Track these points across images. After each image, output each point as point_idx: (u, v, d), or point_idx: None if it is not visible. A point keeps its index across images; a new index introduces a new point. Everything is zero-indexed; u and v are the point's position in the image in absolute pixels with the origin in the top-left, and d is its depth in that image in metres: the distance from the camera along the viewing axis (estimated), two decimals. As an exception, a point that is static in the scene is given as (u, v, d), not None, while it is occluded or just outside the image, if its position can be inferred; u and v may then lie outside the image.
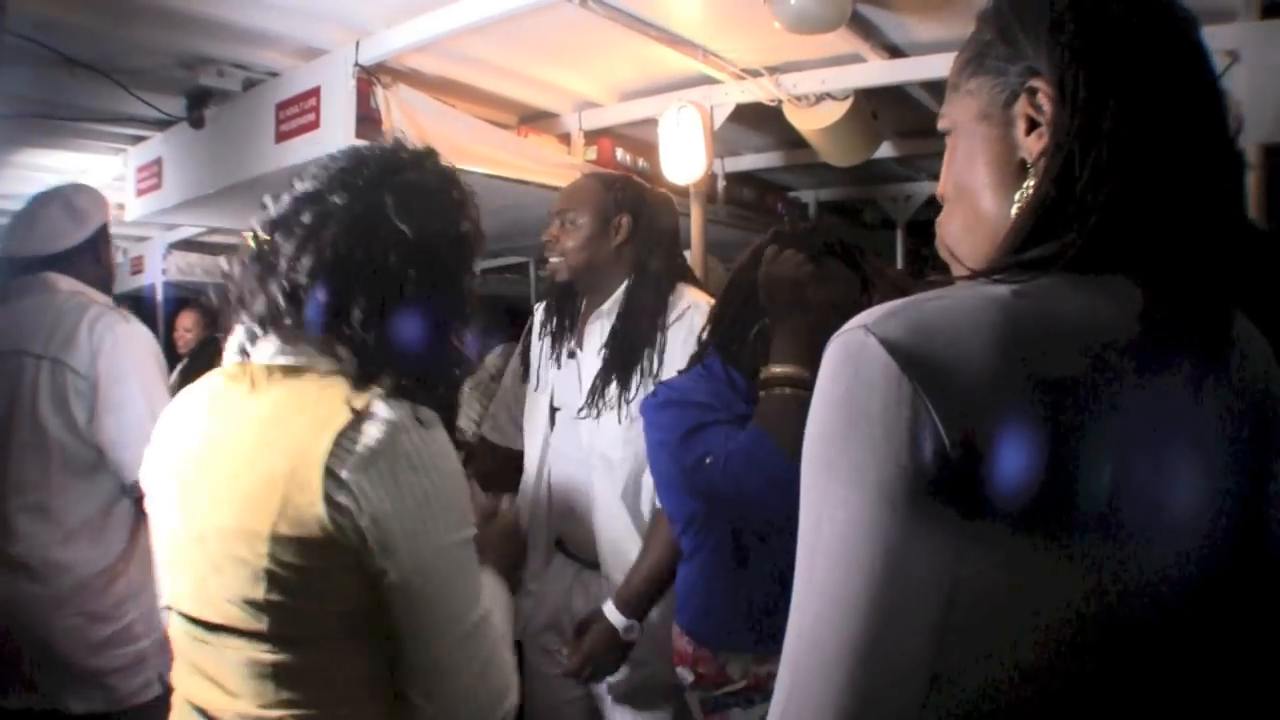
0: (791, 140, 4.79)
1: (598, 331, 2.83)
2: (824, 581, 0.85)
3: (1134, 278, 0.89)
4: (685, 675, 2.33)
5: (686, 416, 2.21)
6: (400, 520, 1.36)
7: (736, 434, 2.09)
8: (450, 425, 1.53)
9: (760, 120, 4.55)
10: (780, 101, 4.13)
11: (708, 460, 2.10)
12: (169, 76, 3.75)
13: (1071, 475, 0.82)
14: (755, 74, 3.97)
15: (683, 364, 2.52)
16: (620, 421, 2.73)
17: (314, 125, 3.58)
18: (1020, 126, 0.98)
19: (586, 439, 2.80)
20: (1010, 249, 0.94)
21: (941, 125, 1.10)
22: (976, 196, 1.03)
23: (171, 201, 4.41)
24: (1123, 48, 0.93)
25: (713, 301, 2.59)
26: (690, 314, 2.75)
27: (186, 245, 6.73)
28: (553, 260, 2.89)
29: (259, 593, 1.37)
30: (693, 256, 4.18)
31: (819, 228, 2.30)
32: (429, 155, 1.66)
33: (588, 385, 2.79)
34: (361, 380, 1.44)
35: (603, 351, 2.78)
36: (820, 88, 4.04)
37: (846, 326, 0.89)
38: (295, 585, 1.37)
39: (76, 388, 2.65)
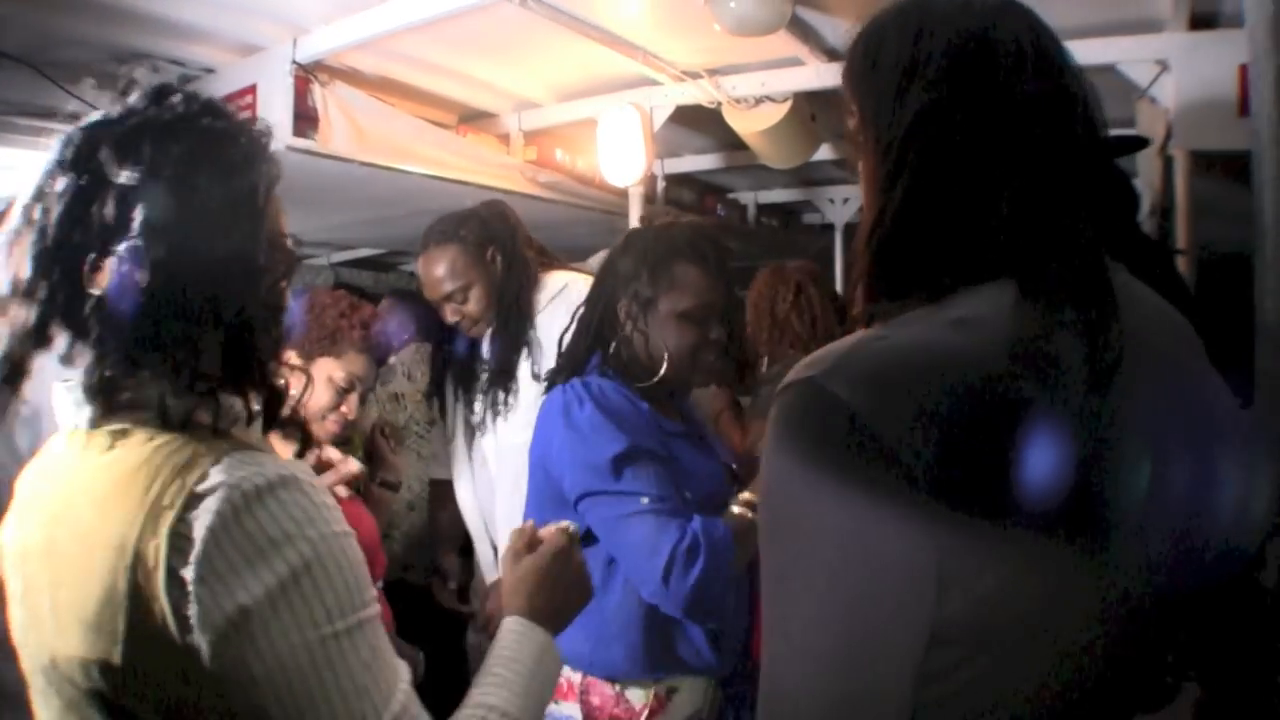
0: (731, 142, 4.80)
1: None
2: (797, 638, 0.84)
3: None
4: (570, 713, 2.09)
5: (617, 436, 1.99)
6: (258, 614, 1.04)
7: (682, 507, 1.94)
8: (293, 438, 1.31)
9: (700, 122, 4.57)
10: (720, 103, 4.14)
11: (644, 500, 1.91)
12: (101, 71, 3.68)
13: (1041, 494, 0.81)
14: (695, 76, 3.98)
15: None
16: (520, 410, 2.88)
17: (250, 123, 3.51)
18: None
19: (497, 439, 2.92)
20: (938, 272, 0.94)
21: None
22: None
23: (104, 200, 4.31)
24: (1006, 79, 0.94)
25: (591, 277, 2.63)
26: (568, 291, 2.89)
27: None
28: (468, 327, 3.01)
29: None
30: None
31: (673, 227, 2.26)
32: (197, 105, 1.23)
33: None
34: (181, 425, 1.12)
35: (490, 366, 2.94)
36: (760, 90, 4.06)
37: (794, 376, 0.87)
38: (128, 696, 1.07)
39: None
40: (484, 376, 2.98)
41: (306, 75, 3.43)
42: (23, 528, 1.21)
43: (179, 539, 1.03)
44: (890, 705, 0.83)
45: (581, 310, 2.30)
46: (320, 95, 3.45)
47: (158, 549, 1.03)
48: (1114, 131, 1.02)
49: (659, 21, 3.52)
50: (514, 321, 2.92)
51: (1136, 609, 0.91)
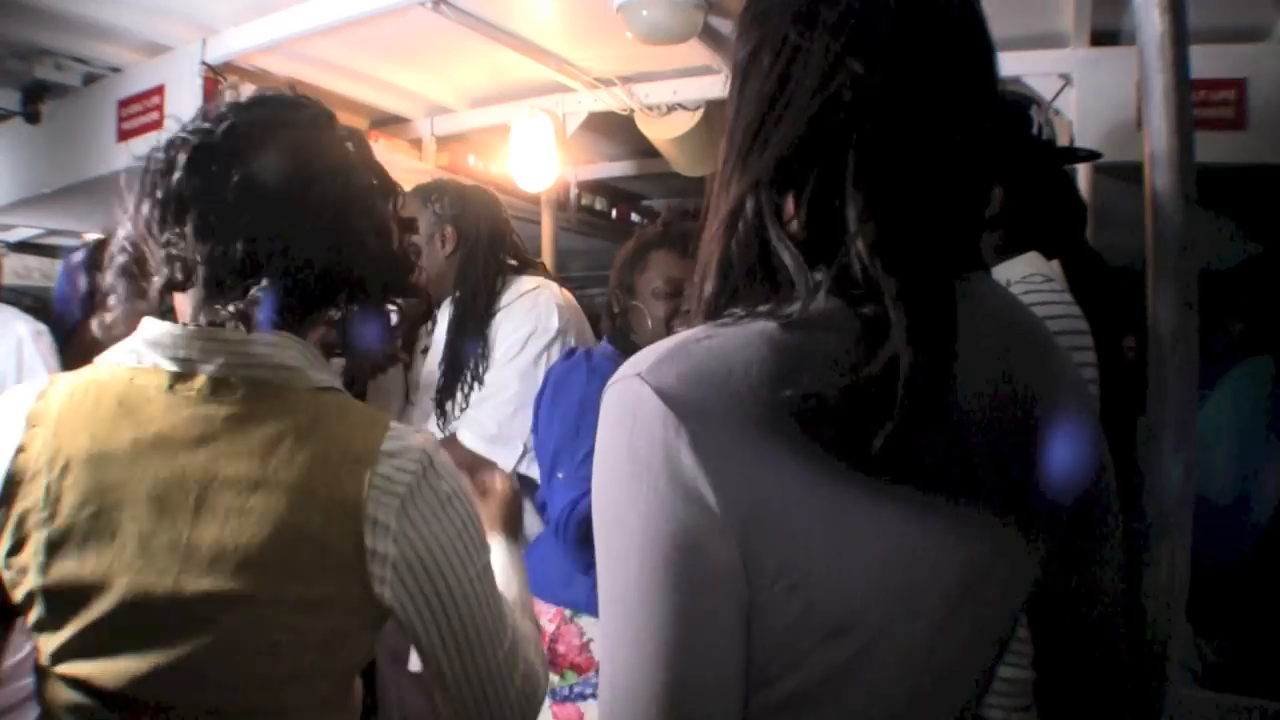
0: (643, 149, 4.83)
1: (443, 319, 2.91)
2: (626, 630, 0.85)
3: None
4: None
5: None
6: (442, 563, 1.22)
7: None
8: None
9: (613, 129, 4.61)
10: (632, 111, 4.17)
11: None
12: (2, 68, 3.62)
13: (842, 504, 0.84)
14: (608, 83, 4.01)
15: (517, 338, 2.68)
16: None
17: (158, 124, 3.44)
18: None
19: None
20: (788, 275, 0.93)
21: None
22: None
23: (5, 201, 4.23)
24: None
25: (565, 292, 2.78)
26: (535, 295, 2.81)
27: (23, 248, 6.44)
28: None
29: (263, 667, 1.18)
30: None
31: (649, 228, 2.61)
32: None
33: (437, 368, 2.89)
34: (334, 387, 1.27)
35: (441, 367, 2.85)
36: (672, 98, 4.09)
37: (620, 374, 0.88)
38: (311, 653, 1.21)
39: None
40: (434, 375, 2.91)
41: (216, 77, 3.39)
42: (105, 472, 1.17)
43: (378, 483, 1.20)
44: (723, 686, 0.85)
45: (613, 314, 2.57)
46: (230, 97, 3.39)
47: (357, 492, 1.18)
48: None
49: (572, 29, 3.55)
50: (470, 322, 2.81)
51: (972, 599, 0.93)
